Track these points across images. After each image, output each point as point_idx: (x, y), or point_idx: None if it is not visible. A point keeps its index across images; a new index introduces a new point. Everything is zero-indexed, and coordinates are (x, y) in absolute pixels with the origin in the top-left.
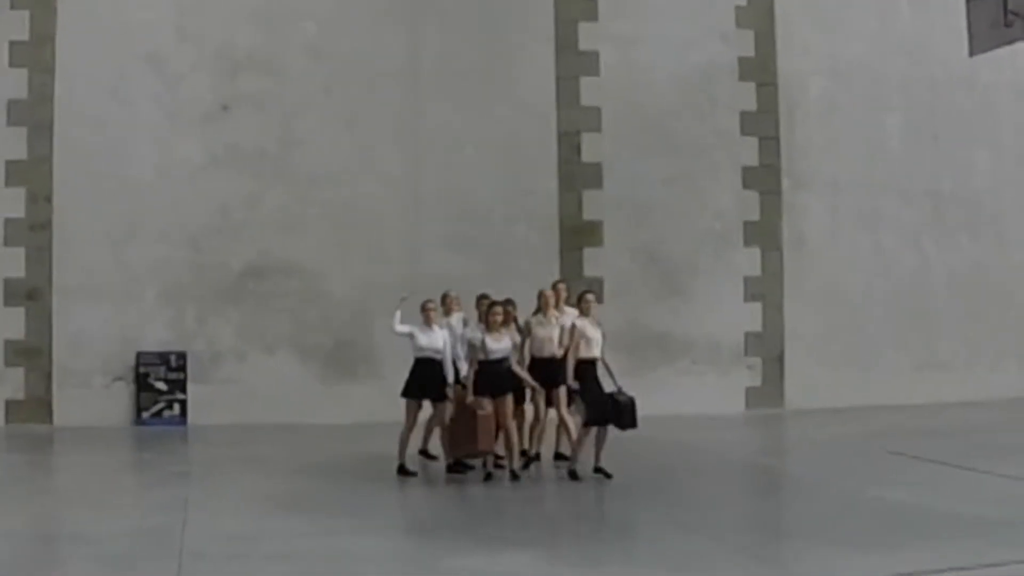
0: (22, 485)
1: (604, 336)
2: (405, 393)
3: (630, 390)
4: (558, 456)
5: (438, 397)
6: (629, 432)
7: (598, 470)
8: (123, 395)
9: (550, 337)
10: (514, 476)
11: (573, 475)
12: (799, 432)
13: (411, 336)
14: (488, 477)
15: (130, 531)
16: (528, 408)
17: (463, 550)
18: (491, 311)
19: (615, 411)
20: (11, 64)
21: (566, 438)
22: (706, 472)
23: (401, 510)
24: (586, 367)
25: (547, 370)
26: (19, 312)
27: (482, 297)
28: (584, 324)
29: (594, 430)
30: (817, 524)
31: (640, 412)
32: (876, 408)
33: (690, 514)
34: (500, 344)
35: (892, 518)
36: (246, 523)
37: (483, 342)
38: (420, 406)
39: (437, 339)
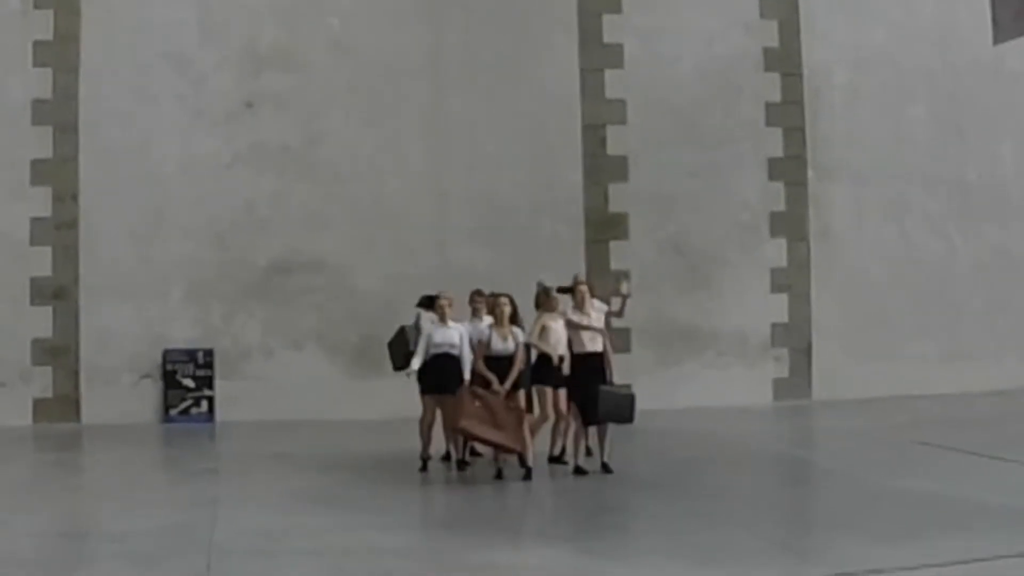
0: (50, 483)
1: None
2: (422, 388)
3: (657, 382)
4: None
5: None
6: (655, 425)
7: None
8: (151, 393)
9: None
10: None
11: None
12: (827, 423)
13: (429, 335)
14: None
15: (159, 528)
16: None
17: (490, 545)
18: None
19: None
20: (35, 64)
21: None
22: (734, 464)
23: (427, 506)
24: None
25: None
26: (46, 311)
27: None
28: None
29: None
30: (846, 515)
31: (667, 405)
32: (904, 398)
33: (719, 506)
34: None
35: (921, 509)
36: (274, 519)
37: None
38: (437, 400)
39: (452, 335)
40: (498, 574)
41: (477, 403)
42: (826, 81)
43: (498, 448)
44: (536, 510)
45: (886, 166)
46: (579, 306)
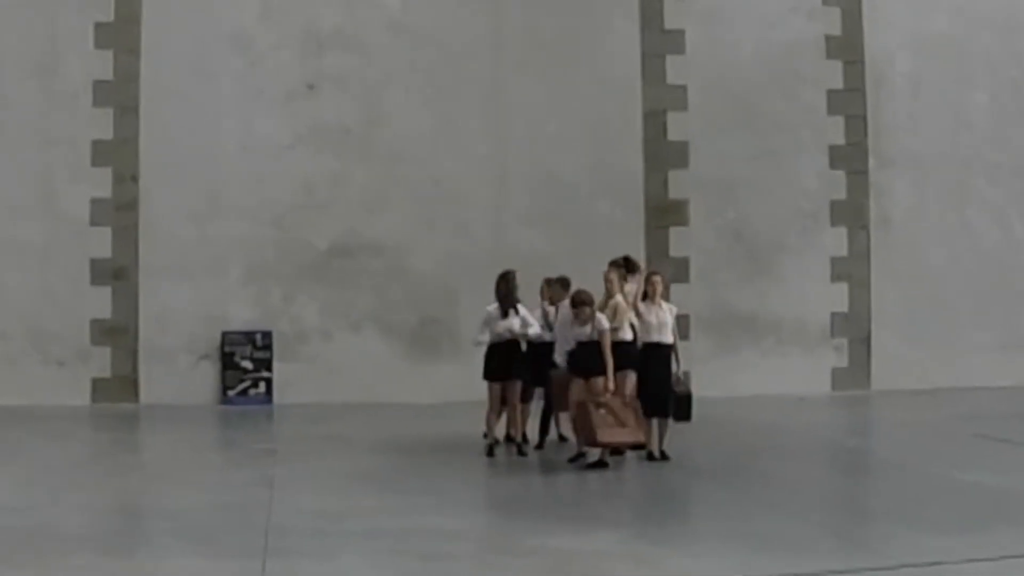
0: (108, 462)
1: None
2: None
3: (715, 370)
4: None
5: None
6: (713, 412)
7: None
8: (209, 374)
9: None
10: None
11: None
12: (885, 413)
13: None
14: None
15: (216, 507)
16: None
17: (548, 530)
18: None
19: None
20: (96, 45)
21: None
22: (792, 453)
23: (485, 489)
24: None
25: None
26: (106, 291)
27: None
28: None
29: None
30: (905, 506)
31: (726, 393)
32: (963, 389)
33: (777, 495)
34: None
35: (982, 501)
36: (331, 500)
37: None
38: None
39: (514, 323)
40: (555, 558)
41: (602, 411)
42: (888, 68)
43: (632, 447)
44: (594, 496)
45: (947, 154)
46: (651, 298)
